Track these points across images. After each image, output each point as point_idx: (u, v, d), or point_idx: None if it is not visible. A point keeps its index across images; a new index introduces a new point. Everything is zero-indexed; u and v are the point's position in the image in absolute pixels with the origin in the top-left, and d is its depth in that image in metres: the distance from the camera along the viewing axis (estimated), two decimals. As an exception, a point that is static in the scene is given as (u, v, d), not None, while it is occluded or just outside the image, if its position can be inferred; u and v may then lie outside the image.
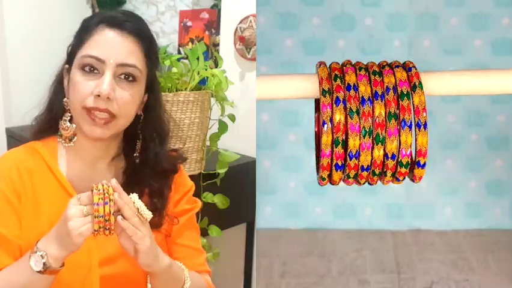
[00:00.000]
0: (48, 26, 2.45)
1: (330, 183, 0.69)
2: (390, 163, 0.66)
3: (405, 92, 0.65)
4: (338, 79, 0.66)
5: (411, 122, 0.64)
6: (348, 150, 0.65)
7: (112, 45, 0.92)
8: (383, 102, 0.65)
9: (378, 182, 0.69)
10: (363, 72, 0.67)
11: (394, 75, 0.66)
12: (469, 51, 2.41)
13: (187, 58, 1.56)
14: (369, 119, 0.64)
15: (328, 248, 2.39)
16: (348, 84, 0.66)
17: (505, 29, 2.39)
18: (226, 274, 1.97)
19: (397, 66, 0.68)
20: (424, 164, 0.66)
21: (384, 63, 0.69)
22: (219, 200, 1.62)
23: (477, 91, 0.70)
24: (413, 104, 0.65)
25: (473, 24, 2.39)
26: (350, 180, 0.68)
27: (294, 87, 0.71)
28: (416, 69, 0.68)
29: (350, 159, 0.65)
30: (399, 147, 0.65)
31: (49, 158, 0.98)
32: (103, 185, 0.84)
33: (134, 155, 1.01)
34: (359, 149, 0.65)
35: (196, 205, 1.12)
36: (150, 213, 0.87)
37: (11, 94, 2.43)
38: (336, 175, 0.67)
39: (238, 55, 1.92)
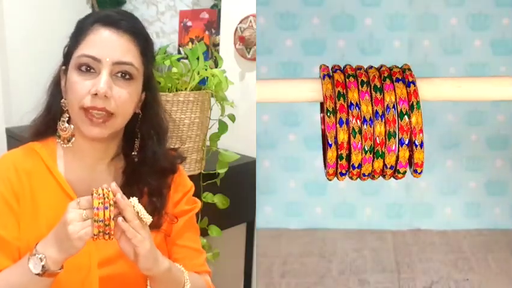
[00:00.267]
0: (48, 26, 2.45)
1: (337, 177, 0.75)
2: (389, 171, 0.73)
3: (404, 112, 0.70)
4: (342, 98, 0.71)
5: (409, 141, 0.71)
6: (351, 163, 0.72)
7: (108, 44, 0.92)
8: (383, 121, 0.70)
9: (380, 178, 0.75)
10: (365, 88, 0.72)
11: (395, 92, 0.71)
12: (469, 51, 2.41)
13: (187, 58, 1.56)
14: (370, 138, 0.71)
15: (328, 248, 2.39)
16: (351, 102, 0.71)
17: (505, 29, 2.39)
18: (226, 274, 1.97)
19: (398, 80, 0.72)
20: (421, 171, 0.73)
21: (386, 73, 0.72)
22: (219, 200, 1.62)
23: (471, 99, 0.75)
24: (410, 124, 0.70)
25: (473, 24, 2.39)
26: (353, 171, 0.75)
27: (295, 92, 0.75)
28: (414, 85, 0.72)
29: (353, 169, 0.72)
30: (397, 161, 0.72)
31: (48, 159, 0.98)
32: (103, 189, 0.84)
33: (133, 153, 1.00)
34: (361, 162, 0.71)
35: (196, 205, 1.11)
36: (150, 217, 0.87)
37: (11, 94, 2.43)
38: (341, 179, 0.74)
39: (238, 55, 1.92)
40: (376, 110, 0.71)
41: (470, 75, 2.39)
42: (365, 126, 0.70)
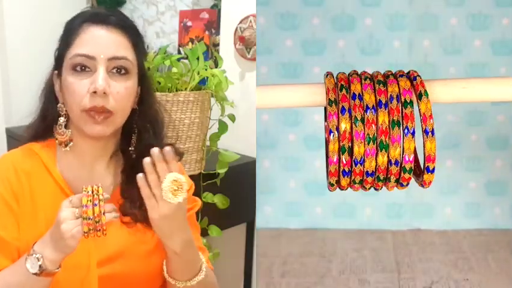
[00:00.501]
0: (48, 26, 2.44)
1: (339, 188, 0.72)
2: (394, 169, 0.68)
3: (408, 101, 0.68)
4: (344, 89, 0.70)
5: (414, 129, 0.67)
6: (354, 157, 0.68)
7: (100, 41, 0.92)
8: (387, 110, 0.68)
9: (383, 187, 0.72)
10: (368, 81, 0.70)
11: (398, 84, 0.69)
12: (469, 51, 2.41)
13: (187, 58, 1.56)
14: (373, 126, 0.67)
15: (328, 248, 2.40)
16: (354, 93, 0.69)
17: (505, 29, 2.39)
18: (226, 274, 1.97)
19: (401, 76, 0.71)
20: (433, 169, 0.69)
21: (389, 73, 0.71)
22: (219, 200, 1.62)
23: (477, 100, 0.73)
24: (420, 111, 0.68)
25: (473, 25, 2.39)
26: (356, 185, 0.71)
27: (295, 97, 0.74)
28: (420, 77, 0.70)
29: (356, 165, 0.68)
30: (403, 154, 0.68)
31: (47, 160, 0.98)
32: (92, 186, 0.84)
33: (130, 149, 1.00)
34: (364, 155, 0.68)
35: (196, 204, 1.11)
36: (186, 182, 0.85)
37: (11, 94, 2.44)
38: (344, 181, 0.70)
39: (238, 55, 1.92)
40: (379, 99, 0.68)
41: (470, 75, 2.40)
42: (367, 114, 0.67)
